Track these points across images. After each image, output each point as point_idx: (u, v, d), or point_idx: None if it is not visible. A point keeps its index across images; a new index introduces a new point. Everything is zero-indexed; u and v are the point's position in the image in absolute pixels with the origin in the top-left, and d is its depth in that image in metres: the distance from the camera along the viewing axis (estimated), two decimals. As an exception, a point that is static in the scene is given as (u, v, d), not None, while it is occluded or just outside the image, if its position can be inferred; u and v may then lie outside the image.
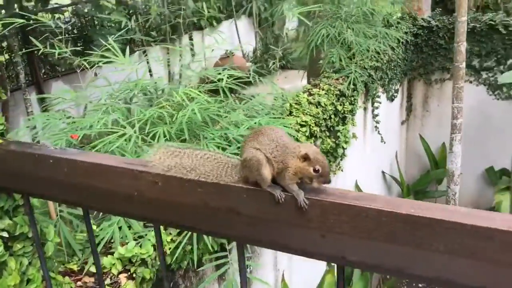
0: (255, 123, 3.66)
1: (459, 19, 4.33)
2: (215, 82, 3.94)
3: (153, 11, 13.31)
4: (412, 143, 10.25)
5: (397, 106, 9.46)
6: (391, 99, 8.56)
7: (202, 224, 1.53)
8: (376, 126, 7.95)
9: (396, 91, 8.83)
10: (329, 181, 1.39)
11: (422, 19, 9.43)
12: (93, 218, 3.29)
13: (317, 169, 1.38)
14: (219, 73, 3.99)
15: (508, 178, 8.96)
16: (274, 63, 5.94)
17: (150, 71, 8.67)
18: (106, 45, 4.01)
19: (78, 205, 1.94)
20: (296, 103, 5.16)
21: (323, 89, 5.71)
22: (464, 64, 4.53)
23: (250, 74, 4.54)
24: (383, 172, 9.28)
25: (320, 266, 5.75)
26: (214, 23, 14.56)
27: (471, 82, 9.22)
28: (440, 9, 10.20)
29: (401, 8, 8.85)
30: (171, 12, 12.22)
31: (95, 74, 10.12)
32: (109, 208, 1.72)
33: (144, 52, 10.24)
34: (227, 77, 3.89)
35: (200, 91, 3.66)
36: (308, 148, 1.44)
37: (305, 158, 1.38)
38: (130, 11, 12.41)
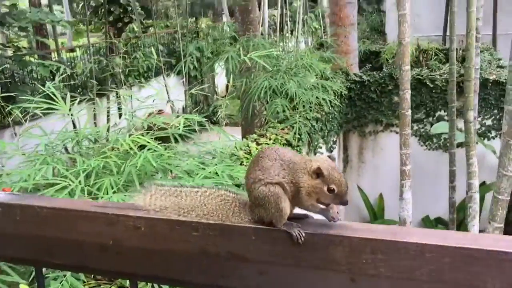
0: (210, 172, 3.46)
1: (403, 68, 4.44)
2: (165, 129, 3.73)
3: (79, 68, 12.95)
4: (350, 194, 10.34)
5: (335, 158, 9.58)
6: (330, 150, 8.66)
7: (198, 276, 1.27)
8: (318, 178, 7.91)
9: (334, 142, 8.97)
10: (346, 202, 1.18)
11: (354, 74, 9.81)
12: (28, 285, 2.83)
13: (332, 188, 1.16)
14: (170, 120, 3.79)
15: (444, 227, 9.19)
16: (221, 112, 5.80)
17: (73, 123, 8.22)
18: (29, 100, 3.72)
19: (31, 264, 1.60)
20: (245, 153, 5.02)
21: (270, 139, 5.63)
22: (409, 112, 4.62)
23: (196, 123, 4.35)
24: (324, 225, 9.20)
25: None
26: (143, 80, 14.39)
27: (402, 133, 9.57)
28: (370, 65, 10.68)
29: (333, 64, 9.14)
30: (98, 69, 11.95)
31: (15, 134, 9.42)
32: (75, 264, 1.40)
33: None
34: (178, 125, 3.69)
35: (148, 139, 3.41)
36: (321, 162, 1.20)
37: (318, 174, 1.17)
38: (55, 68, 11.94)
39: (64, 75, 9.67)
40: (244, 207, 1.20)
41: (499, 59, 9.76)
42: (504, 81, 8.70)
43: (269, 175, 1.14)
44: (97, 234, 1.29)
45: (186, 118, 4.37)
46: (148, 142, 3.38)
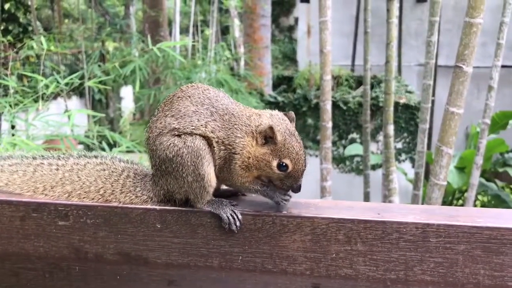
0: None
1: (324, 78, 4.23)
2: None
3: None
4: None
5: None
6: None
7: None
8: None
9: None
10: (298, 188, 0.76)
11: (269, 95, 9.64)
12: None
13: (284, 163, 0.76)
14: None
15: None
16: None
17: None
18: None
19: None
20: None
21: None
22: (330, 124, 4.39)
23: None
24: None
25: None
26: (41, 102, 13.33)
27: (316, 156, 9.48)
28: (285, 86, 10.61)
29: (248, 84, 8.92)
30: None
31: None
32: None
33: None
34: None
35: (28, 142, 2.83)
36: (275, 120, 0.79)
37: (268, 137, 0.77)
38: None
39: None
40: (143, 179, 0.77)
41: (407, 85, 10.11)
42: (414, 104, 8.94)
43: (190, 123, 0.72)
44: None
45: (87, 138, 3.85)
46: (27, 144, 2.81)
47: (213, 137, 0.74)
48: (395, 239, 0.68)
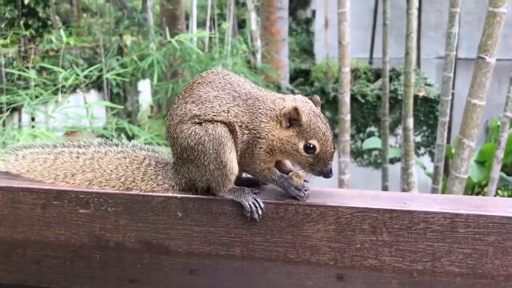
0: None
1: (343, 70, 4.19)
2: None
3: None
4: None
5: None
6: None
7: (88, 283, 0.80)
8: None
9: (265, 159, 8.63)
10: (329, 172, 0.75)
11: (286, 88, 9.62)
12: None
13: (311, 145, 0.75)
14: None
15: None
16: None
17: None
18: None
19: None
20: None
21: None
22: (349, 117, 4.36)
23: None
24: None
25: None
26: (60, 96, 13.45)
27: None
28: (302, 79, 10.56)
29: (265, 76, 8.91)
30: (10, 81, 11.07)
31: None
32: None
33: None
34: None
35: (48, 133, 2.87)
36: (299, 102, 0.79)
37: (293, 119, 0.75)
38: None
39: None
40: (164, 168, 0.76)
41: (426, 78, 9.98)
42: (433, 97, 8.83)
43: (211, 109, 0.71)
44: None
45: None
46: (48, 136, 2.84)
47: (236, 122, 0.73)
48: (422, 229, 0.67)
